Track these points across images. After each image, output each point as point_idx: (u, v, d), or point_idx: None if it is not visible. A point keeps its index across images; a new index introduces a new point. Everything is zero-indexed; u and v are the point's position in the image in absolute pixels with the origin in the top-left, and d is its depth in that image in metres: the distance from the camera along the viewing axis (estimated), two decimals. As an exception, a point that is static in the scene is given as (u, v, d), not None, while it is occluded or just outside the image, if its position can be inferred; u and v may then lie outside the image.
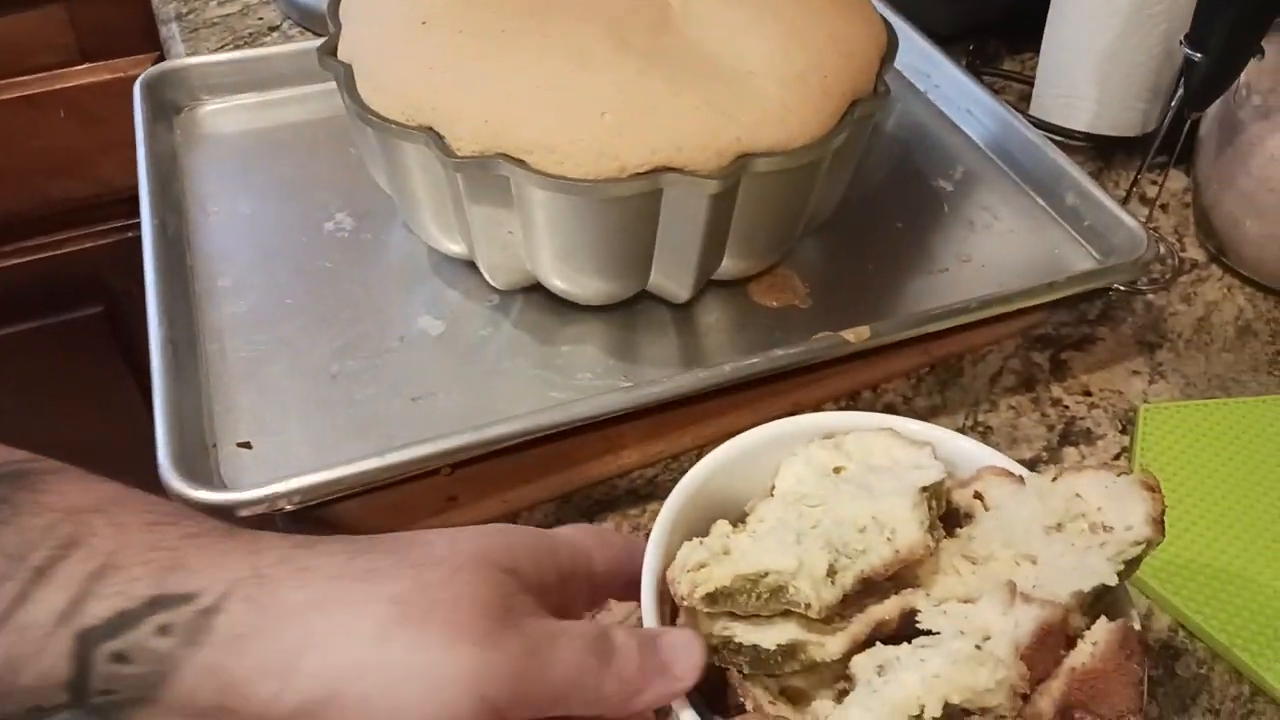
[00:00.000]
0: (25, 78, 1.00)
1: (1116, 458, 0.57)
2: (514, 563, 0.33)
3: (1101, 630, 0.35)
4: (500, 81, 0.47)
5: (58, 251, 1.11)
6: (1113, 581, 0.37)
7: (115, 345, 1.16)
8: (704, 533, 0.42)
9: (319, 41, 0.54)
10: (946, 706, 0.33)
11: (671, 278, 0.53)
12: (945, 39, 0.77)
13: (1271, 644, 0.48)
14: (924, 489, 0.40)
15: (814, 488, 0.42)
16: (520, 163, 0.46)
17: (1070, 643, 0.36)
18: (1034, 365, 0.62)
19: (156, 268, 0.53)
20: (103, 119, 1.05)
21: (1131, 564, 0.39)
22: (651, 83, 0.47)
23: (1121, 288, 0.67)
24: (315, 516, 0.48)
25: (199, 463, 0.46)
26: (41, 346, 1.15)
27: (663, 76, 0.47)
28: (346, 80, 0.50)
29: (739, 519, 0.43)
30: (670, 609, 0.41)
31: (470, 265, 0.58)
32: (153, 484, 1.25)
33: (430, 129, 0.47)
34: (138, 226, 1.17)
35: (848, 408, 0.58)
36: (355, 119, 0.50)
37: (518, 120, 0.46)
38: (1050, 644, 0.35)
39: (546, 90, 0.46)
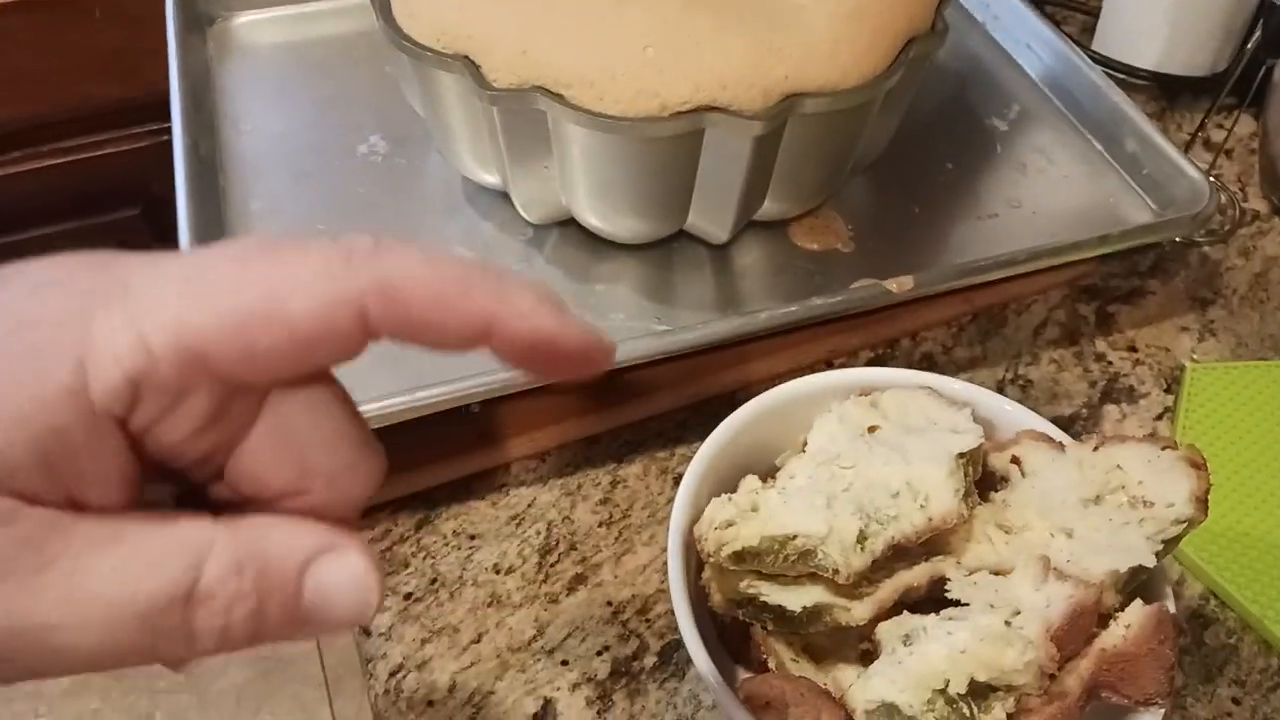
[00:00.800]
0: (62, -25, 0.98)
1: (1159, 418, 0.56)
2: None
3: (1136, 613, 0.35)
4: (540, 11, 0.45)
5: (96, 153, 1.10)
6: (1150, 563, 0.36)
7: (153, 247, 1.16)
8: (733, 486, 0.42)
9: (355, -44, 0.52)
10: (972, 683, 0.33)
11: (710, 219, 0.52)
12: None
13: (1305, 618, 0.47)
14: (960, 455, 0.39)
15: (847, 447, 0.41)
16: (558, 97, 0.44)
17: (1102, 621, 0.36)
18: (1079, 318, 0.60)
19: (189, 189, 0.52)
20: (140, 20, 1.03)
21: (1170, 543, 0.38)
22: (696, 17, 0.44)
23: (1177, 238, 0.65)
24: (344, 450, 0.48)
25: (229, 393, 0.46)
26: (79, 247, 1.15)
27: (708, 10, 0.45)
28: (381, 3, 0.49)
29: (769, 473, 0.43)
30: (695, 562, 0.41)
31: (504, 197, 0.57)
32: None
33: (466, 58, 0.46)
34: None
35: (885, 355, 0.57)
36: (390, 44, 0.49)
37: (556, 52, 0.44)
38: (1082, 624, 0.34)
39: (587, 22, 0.44)
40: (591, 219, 0.52)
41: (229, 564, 0.20)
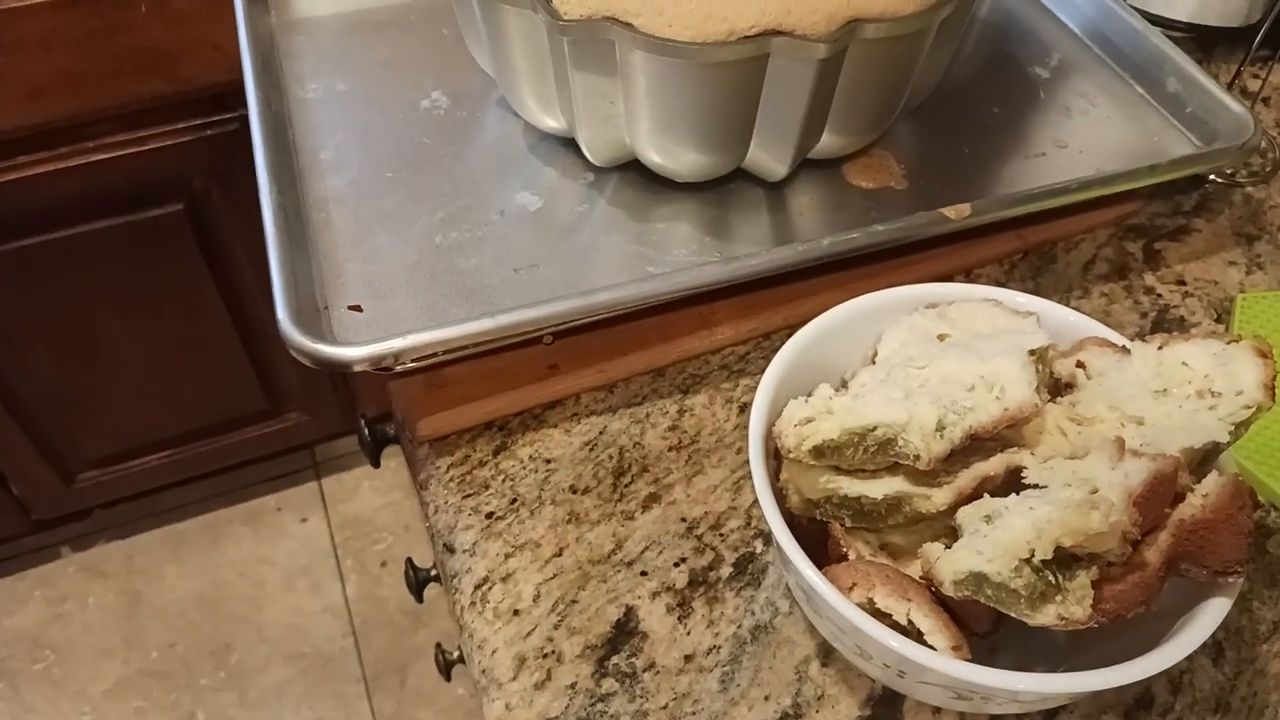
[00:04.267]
0: (107, -31, 1.01)
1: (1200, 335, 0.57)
2: None
3: (1213, 482, 0.36)
4: (608, -55, 0.46)
5: (140, 149, 1.12)
6: (1224, 439, 0.37)
7: (195, 243, 1.18)
8: (807, 396, 0.43)
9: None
10: (1057, 549, 0.34)
11: (770, 152, 0.53)
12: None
13: (1366, 524, 0.48)
14: (1032, 351, 0.40)
15: (919, 351, 0.42)
16: (627, 26, 0.46)
17: (1178, 498, 0.37)
18: (1127, 254, 0.62)
19: (264, 139, 0.54)
20: (184, 15, 1.05)
21: (1240, 427, 0.39)
22: (760, -53, 0.46)
23: (1219, 180, 0.66)
24: (423, 379, 0.50)
25: (312, 322, 0.47)
26: (123, 243, 1.17)
27: (771, -59, 0.46)
28: (451, -51, 0.51)
29: (839, 387, 0.44)
30: (774, 464, 0.42)
31: (565, 144, 0.59)
32: (225, 380, 1.28)
33: (536, -6, 0.47)
34: (219, 125, 1.18)
35: (938, 292, 0.58)
36: (458, -11, 0.50)
37: (625, -16, 0.46)
38: (1161, 494, 0.35)
39: (655, -47, 0.46)
40: (654, 155, 0.53)
41: None
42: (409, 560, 0.84)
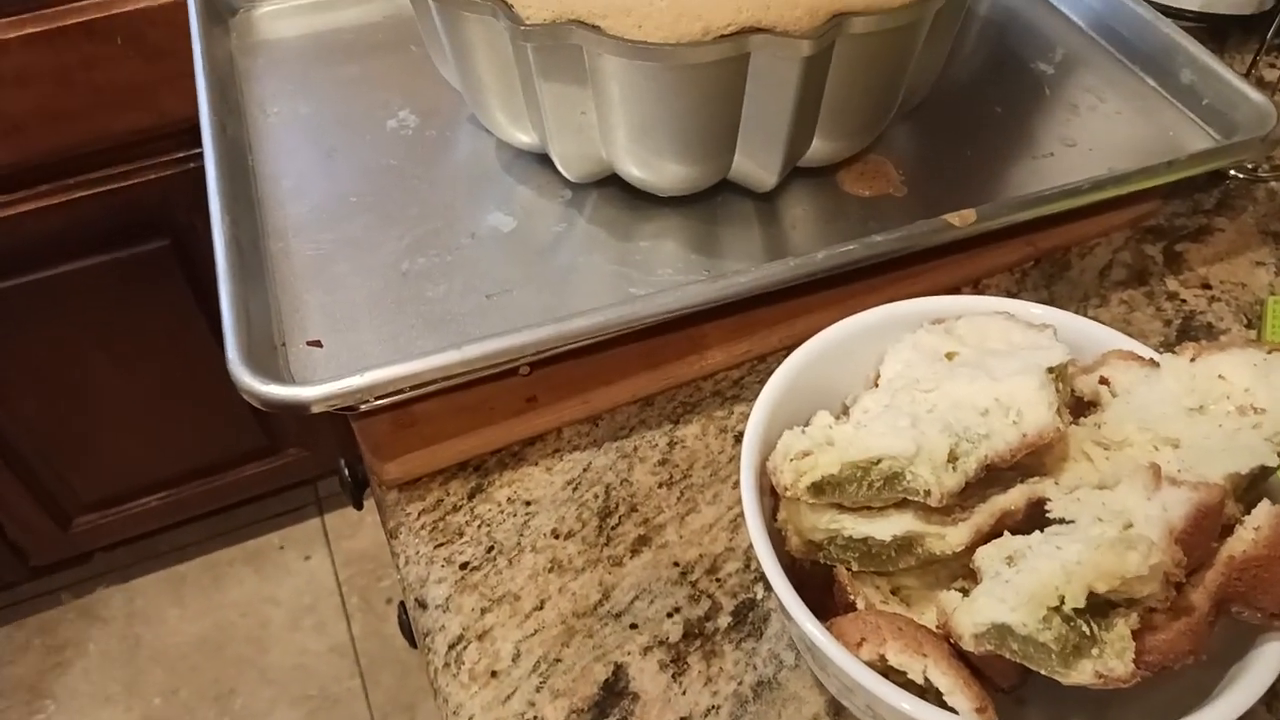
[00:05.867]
0: (83, 2, 0.98)
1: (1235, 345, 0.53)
2: None
3: (1265, 513, 0.32)
4: (571, -57, 0.43)
5: (122, 184, 1.10)
6: (1273, 462, 0.33)
7: (182, 278, 1.16)
8: (804, 425, 0.39)
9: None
10: (1090, 596, 0.30)
11: (757, 160, 0.49)
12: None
13: None
14: (1050, 369, 0.36)
15: (925, 372, 0.38)
16: (594, 29, 0.42)
17: (1225, 533, 0.33)
18: (1146, 258, 0.58)
19: (218, 167, 0.51)
20: (161, 50, 1.03)
21: (1290, 446, 0.35)
22: (736, -61, 0.42)
23: (1241, 175, 0.62)
24: (390, 417, 0.46)
25: (268, 360, 0.44)
26: (109, 281, 1.15)
27: (748, -67, 0.43)
28: (407, -44, 0.47)
29: (839, 413, 0.40)
30: (771, 503, 0.38)
31: (541, 160, 0.55)
32: (222, 417, 1.25)
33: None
34: (201, 157, 1.16)
35: (946, 304, 0.54)
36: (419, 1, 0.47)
37: (591, -16, 0.42)
38: (1206, 528, 0.31)
39: (622, -50, 0.42)
40: (633, 168, 0.50)
41: None
42: (401, 605, 0.80)
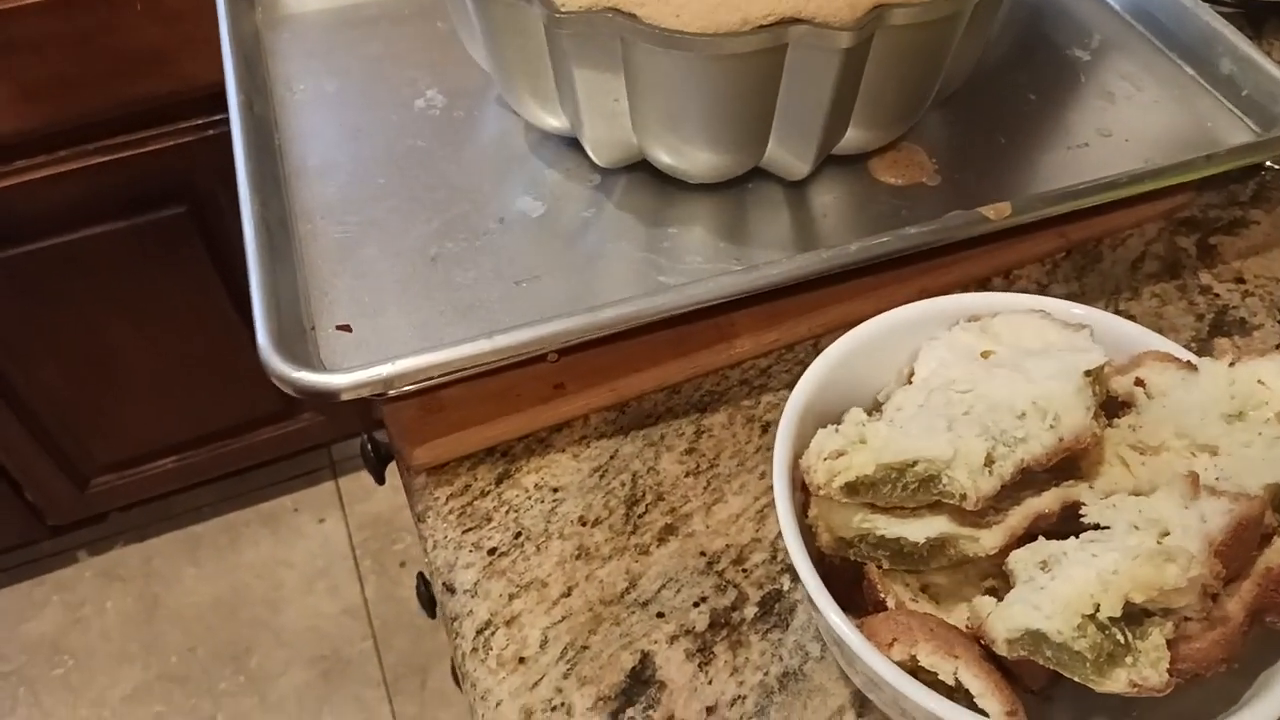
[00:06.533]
0: (99, -34, 0.98)
1: (1276, 349, 0.52)
2: None
3: (1303, 526, 0.31)
4: (609, -73, 0.42)
5: (141, 150, 1.10)
6: (1314, 473, 0.33)
7: (201, 245, 1.16)
8: (835, 422, 0.39)
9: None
10: (1126, 605, 0.30)
11: (791, 150, 0.49)
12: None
13: None
14: (1087, 372, 0.36)
15: (961, 372, 0.38)
16: (631, 16, 0.42)
17: (1263, 543, 0.33)
18: (1179, 250, 0.57)
19: (246, 146, 0.51)
20: (179, 14, 1.02)
21: (1329, 456, 0.34)
22: (777, -74, 0.42)
23: (1277, 166, 0.61)
24: (418, 402, 0.46)
25: (297, 344, 0.44)
26: (128, 247, 1.15)
27: (789, -81, 0.42)
28: (440, -64, 0.46)
29: (872, 409, 0.40)
30: (801, 498, 0.38)
31: (569, 144, 0.55)
32: (237, 381, 1.25)
33: (533, -16, 0.43)
34: (220, 124, 1.15)
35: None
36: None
37: (628, -31, 0.42)
38: (1246, 541, 0.31)
39: (660, -65, 0.42)
40: (664, 156, 0.49)
41: None
42: (420, 575, 0.81)
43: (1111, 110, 0.58)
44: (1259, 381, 0.37)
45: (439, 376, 0.43)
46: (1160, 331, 0.53)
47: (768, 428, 0.49)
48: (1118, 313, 0.54)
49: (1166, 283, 0.55)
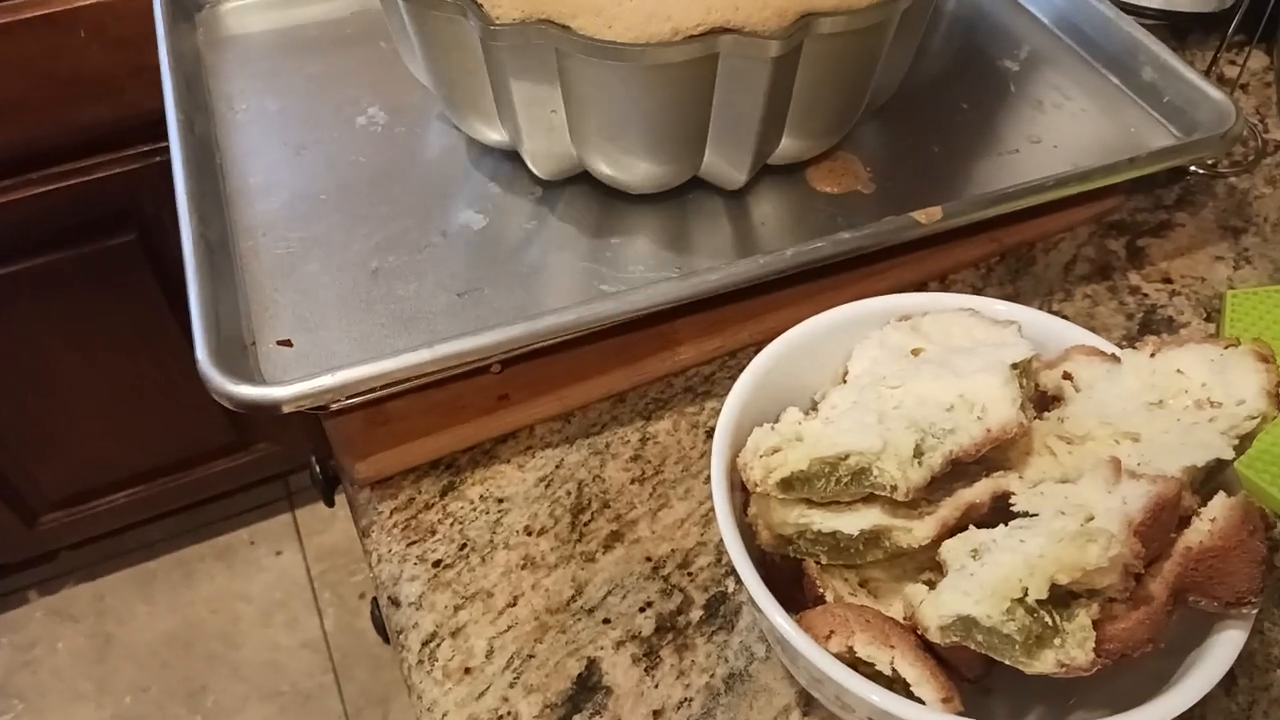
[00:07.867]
0: (43, -7, 0.97)
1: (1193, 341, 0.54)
2: None
3: (1220, 506, 0.32)
4: (541, -58, 0.43)
5: (88, 178, 1.09)
6: (1229, 455, 0.34)
7: (150, 272, 1.14)
8: (772, 420, 0.39)
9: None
10: (1052, 588, 0.31)
11: (727, 159, 0.50)
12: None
13: (1378, 533, 0.45)
14: (1014, 365, 0.37)
15: (892, 369, 0.39)
16: (564, 28, 0.42)
17: (1182, 525, 0.33)
18: (1109, 253, 0.59)
19: (186, 165, 0.50)
20: (125, 40, 1.02)
21: (1244, 439, 0.36)
22: (705, -61, 0.43)
23: (1201, 171, 0.63)
24: (361, 415, 0.46)
25: (238, 360, 0.44)
26: (75, 275, 1.13)
27: (717, -67, 0.43)
28: (376, -47, 0.47)
29: (809, 409, 0.41)
30: (741, 498, 0.39)
31: (512, 158, 0.55)
32: (190, 413, 1.24)
33: None
34: (167, 150, 1.15)
35: (913, 300, 0.55)
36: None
37: (561, -16, 0.42)
38: (1164, 521, 0.32)
39: (591, -50, 0.42)
40: (603, 166, 0.50)
41: None
42: (373, 600, 0.80)
43: (1041, 118, 0.60)
44: (1178, 371, 0.38)
45: (381, 388, 0.43)
46: (1093, 331, 0.55)
47: (711, 434, 0.49)
48: (1051, 314, 0.55)
49: (1098, 284, 0.57)
